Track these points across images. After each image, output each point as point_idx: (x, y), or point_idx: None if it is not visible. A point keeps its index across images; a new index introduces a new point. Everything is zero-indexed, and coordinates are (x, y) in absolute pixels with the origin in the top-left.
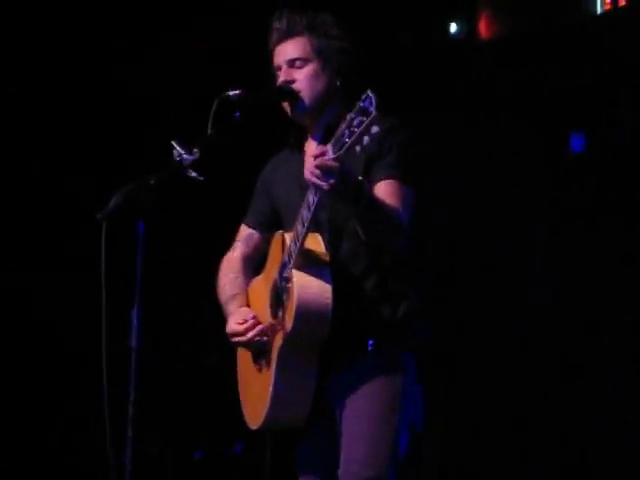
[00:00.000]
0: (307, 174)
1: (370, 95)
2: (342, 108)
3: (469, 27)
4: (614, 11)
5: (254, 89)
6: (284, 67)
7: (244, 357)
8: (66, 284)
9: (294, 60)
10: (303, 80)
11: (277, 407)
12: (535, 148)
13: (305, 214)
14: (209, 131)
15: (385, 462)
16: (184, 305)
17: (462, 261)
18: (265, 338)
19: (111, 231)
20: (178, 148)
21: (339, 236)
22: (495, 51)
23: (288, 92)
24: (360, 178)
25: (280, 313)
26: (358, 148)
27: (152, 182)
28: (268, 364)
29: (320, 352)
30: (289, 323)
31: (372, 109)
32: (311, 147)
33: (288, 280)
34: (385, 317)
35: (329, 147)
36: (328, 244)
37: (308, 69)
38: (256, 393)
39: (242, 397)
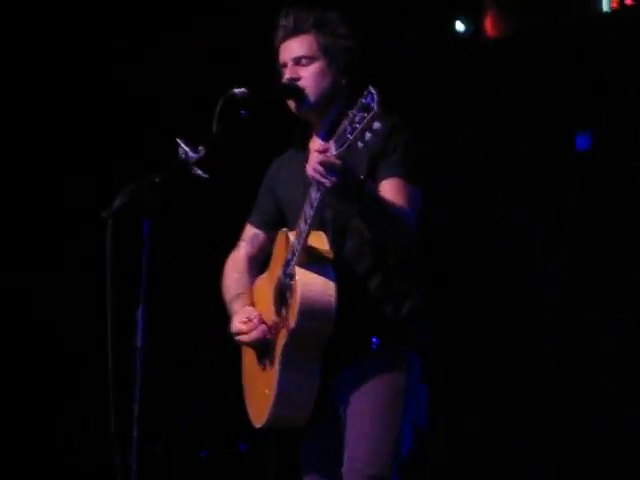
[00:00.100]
0: (309, 170)
1: (372, 91)
2: (347, 106)
3: (475, 25)
4: (621, 10)
5: (259, 87)
6: (290, 64)
7: (248, 355)
8: (67, 284)
9: (300, 58)
10: (309, 77)
11: (281, 405)
12: (536, 147)
13: (308, 211)
14: (214, 129)
15: (388, 460)
16: (188, 304)
17: (462, 261)
18: (269, 336)
19: (116, 230)
20: (183, 146)
21: (343, 234)
22: (501, 49)
23: (294, 89)
24: (362, 177)
25: (284, 311)
26: (360, 144)
27: (157, 180)
28: (272, 362)
29: (324, 350)
30: (293, 320)
31: (374, 105)
32: (315, 145)
33: (291, 277)
34: (389, 315)
35: (331, 143)
36: (332, 242)
37: (314, 67)
38: (260, 391)
39: (246, 395)
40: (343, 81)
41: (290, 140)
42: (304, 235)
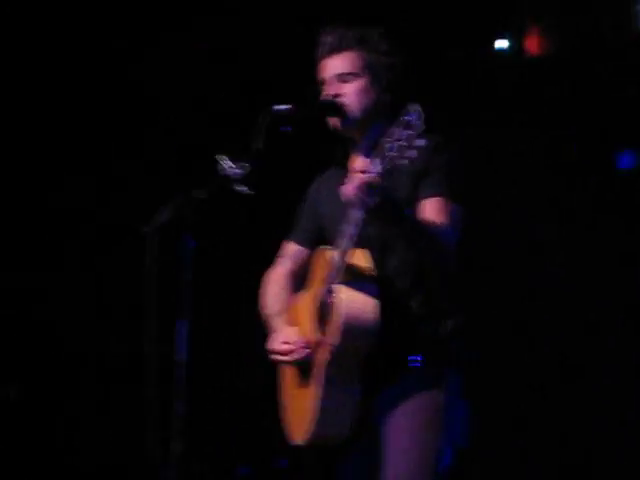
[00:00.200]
0: (349, 190)
1: (414, 108)
2: (389, 124)
3: (518, 43)
4: None
5: (302, 103)
6: (332, 81)
7: (287, 373)
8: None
9: (343, 74)
10: (352, 94)
11: (322, 423)
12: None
13: (350, 229)
14: (257, 145)
15: (427, 478)
16: (227, 320)
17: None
18: (310, 352)
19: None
20: (226, 162)
21: (386, 252)
22: (543, 67)
23: (336, 106)
24: (398, 198)
25: (325, 328)
26: (402, 162)
27: (201, 196)
28: (312, 379)
29: (364, 368)
30: (334, 338)
31: (416, 122)
32: (357, 163)
33: (333, 294)
34: (430, 334)
35: (372, 161)
36: (374, 260)
37: (357, 83)
38: (300, 409)
39: (285, 413)
40: (386, 99)
41: (331, 158)
42: (345, 253)
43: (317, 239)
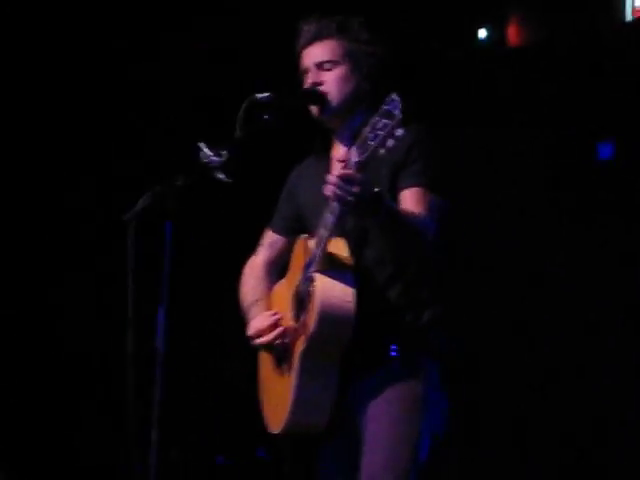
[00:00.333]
0: (329, 189)
1: (395, 98)
2: (369, 113)
3: (499, 33)
4: None
5: (282, 92)
6: (313, 69)
7: (265, 362)
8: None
9: (323, 62)
10: (332, 82)
11: (299, 411)
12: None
13: (329, 219)
14: (237, 133)
15: (406, 466)
16: (208, 308)
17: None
18: (287, 340)
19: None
20: (206, 150)
21: (364, 243)
22: (524, 57)
23: (316, 94)
24: (376, 190)
25: (302, 316)
26: (382, 151)
27: (180, 183)
28: (290, 368)
29: (342, 357)
30: (311, 326)
31: (397, 112)
32: (338, 153)
33: (311, 283)
34: (408, 324)
35: (353, 150)
36: (353, 250)
37: (337, 71)
38: (277, 397)
39: (263, 402)
40: (366, 87)
41: (312, 146)
42: (324, 242)
43: (297, 228)
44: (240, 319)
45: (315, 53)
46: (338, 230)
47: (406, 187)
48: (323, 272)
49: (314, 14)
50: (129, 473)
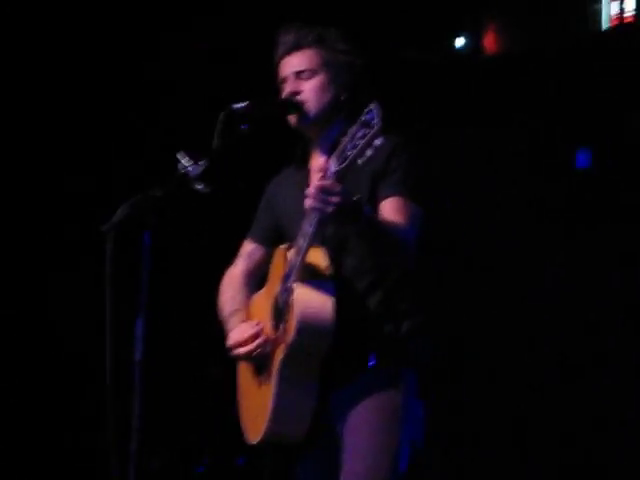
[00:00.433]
0: (309, 202)
1: (373, 108)
2: (348, 123)
3: (476, 42)
4: (620, 27)
5: (260, 101)
6: (291, 78)
7: (245, 371)
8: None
9: (301, 72)
10: (309, 91)
11: (277, 420)
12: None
13: (308, 228)
14: (215, 143)
15: (386, 476)
16: (187, 317)
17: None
18: (267, 349)
19: (117, 242)
20: (183, 161)
21: (343, 252)
22: (500, 66)
23: (293, 104)
24: (355, 198)
25: (282, 326)
26: (360, 161)
27: (158, 194)
28: (269, 378)
29: (321, 367)
30: (291, 336)
31: (375, 122)
32: (317, 163)
33: (290, 293)
34: (388, 333)
35: (331, 161)
36: (332, 259)
37: (315, 81)
38: (256, 407)
39: (242, 411)
40: (345, 97)
41: (290, 156)
42: (303, 251)
43: (276, 238)
44: (219, 329)
45: (293, 62)
46: (317, 239)
47: (386, 197)
48: (302, 282)
49: (293, 24)
50: None
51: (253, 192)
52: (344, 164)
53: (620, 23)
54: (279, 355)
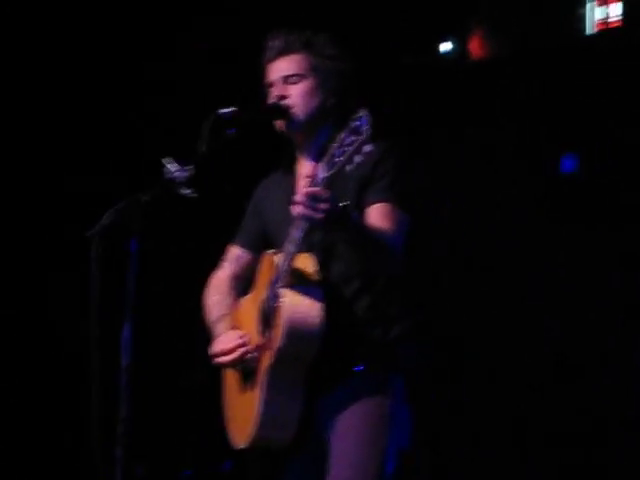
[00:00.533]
0: (296, 209)
1: (363, 115)
2: (336, 129)
3: (462, 47)
4: (606, 32)
5: (247, 106)
6: (278, 83)
7: (230, 377)
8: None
9: (289, 76)
10: (297, 96)
11: (265, 426)
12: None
13: (296, 234)
14: (202, 148)
15: None
16: (173, 322)
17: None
18: (253, 356)
19: (103, 248)
20: (170, 166)
21: (331, 257)
22: (487, 70)
23: (280, 109)
24: (342, 204)
25: (269, 332)
26: (349, 167)
27: (145, 199)
28: (255, 383)
29: (309, 372)
30: (278, 341)
31: (365, 128)
32: (304, 168)
33: (277, 299)
34: (376, 339)
35: (320, 167)
36: (320, 265)
37: (303, 85)
38: (243, 413)
39: (228, 416)
40: (332, 102)
41: (278, 161)
42: (291, 257)
43: (262, 243)
44: (205, 334)
45: (281, 67)
46: (305, 245)
47: (373, 203)
48: (290, 288)
49: (280, 29)
50: None
51: (240, 197)
52: (332, 171)
53: (606, 28)
54: (267, 361)
